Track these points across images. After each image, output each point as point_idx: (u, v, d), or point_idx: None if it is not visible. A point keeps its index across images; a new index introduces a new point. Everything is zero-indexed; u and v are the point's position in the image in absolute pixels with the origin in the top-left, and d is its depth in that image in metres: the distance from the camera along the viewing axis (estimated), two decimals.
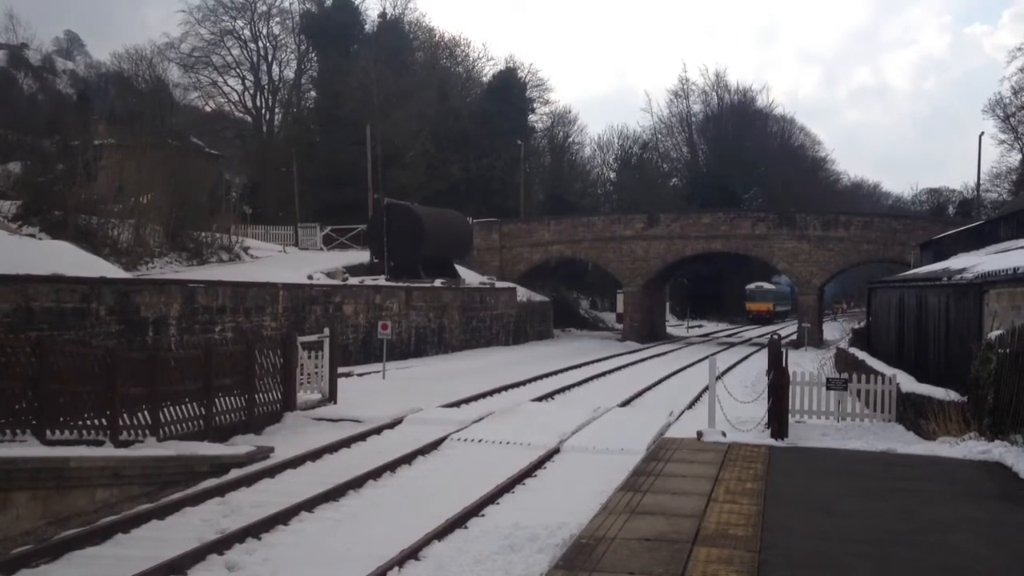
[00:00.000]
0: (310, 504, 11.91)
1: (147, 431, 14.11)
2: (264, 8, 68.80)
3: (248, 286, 26.33)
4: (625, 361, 37.86)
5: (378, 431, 17.71)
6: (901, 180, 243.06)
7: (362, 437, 17.02)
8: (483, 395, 23.56)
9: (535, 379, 28.50)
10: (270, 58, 69.62)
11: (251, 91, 70.10)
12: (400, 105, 57.76)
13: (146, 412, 14.22)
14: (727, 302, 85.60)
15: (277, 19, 69.92)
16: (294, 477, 13.84)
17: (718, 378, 17.24)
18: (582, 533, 8.51)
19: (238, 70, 69.26)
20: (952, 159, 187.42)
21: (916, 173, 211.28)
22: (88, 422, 13.10)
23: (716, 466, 11.71)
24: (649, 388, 27.52)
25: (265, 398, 17.68)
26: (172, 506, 11.81)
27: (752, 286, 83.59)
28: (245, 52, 68.85)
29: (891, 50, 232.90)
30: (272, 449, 15.15)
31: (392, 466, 14.45)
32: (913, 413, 16.80)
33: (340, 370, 22.06)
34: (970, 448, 12.97)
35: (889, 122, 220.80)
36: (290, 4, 70.54)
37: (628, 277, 52.40)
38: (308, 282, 31.74)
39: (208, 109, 71.06)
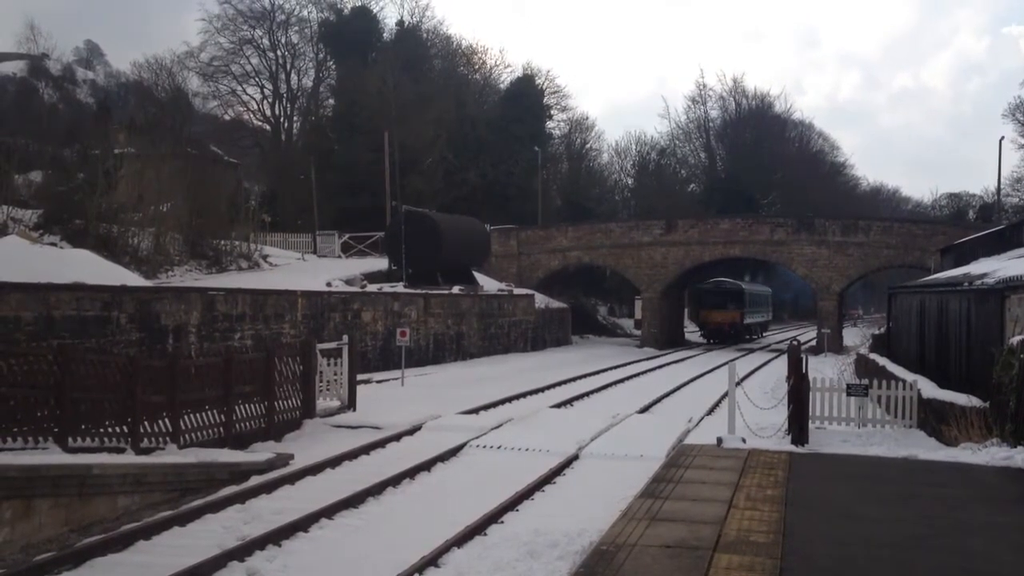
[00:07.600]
0: (330, 511, 11.95)
1: (168, 438, 14.20)
2: (283, 17, 69.42)
3: (267, 293, 26.45)
4: (643, 367, 37.75)
5: (397, 438, 17.74)
6: (927, 185, 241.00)
7: (381, 444, 17.04)
8: (502, 402, 23.54)
9: (554, 385, 28.46)
10: (288, 67, 70.17)
11: (270, 100, 70.68)
12: (418, 112, 57.91)
13: (167, 419, 14.30)
14: None
15: (295, 28, 70.57)
16: (314, 484, 13.87)
17: (737, 384, 17.17)
18: (602, 540, 8.50)
19: (257, 79, 69.85)
20: (978, 163, 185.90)
21: (943, 178, 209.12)
22: (109, 429, 13.20)
23: (736, 472, 11.67)
24: (668, 394, 27.42)
25: (284, 405, 17.73)
26: (193, 513, 11.87)
27: (708, 284, 60.20)
28: (264, 61, 69.44)
29: (929, 53, 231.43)
30: (292, 456, 15.21)
31: (411, 473, 14.47)
32: (934, 419, 16.68)
33: (359, 377, 22.08)
34: (992, 454, 12.89)
35: (922, 126, 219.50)
36: (308, 13, 71.15)
37: (646, 283, 52.27)
38: (327, 289, 31.82)
39: (227, 118, 71.52)
